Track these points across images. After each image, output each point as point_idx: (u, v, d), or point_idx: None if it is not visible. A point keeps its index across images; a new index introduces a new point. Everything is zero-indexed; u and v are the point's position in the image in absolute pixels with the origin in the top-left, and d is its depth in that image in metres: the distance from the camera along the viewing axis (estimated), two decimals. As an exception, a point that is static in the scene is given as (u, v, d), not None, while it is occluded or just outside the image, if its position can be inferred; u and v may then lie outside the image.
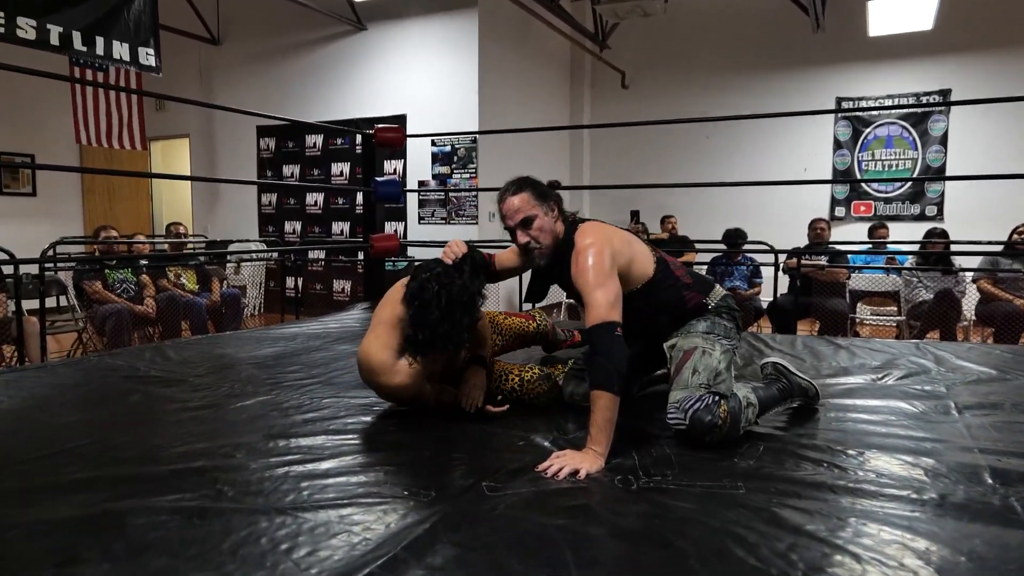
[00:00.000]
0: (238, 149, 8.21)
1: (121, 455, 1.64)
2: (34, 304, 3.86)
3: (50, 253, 5.04)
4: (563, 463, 1.50)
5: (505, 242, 5.90)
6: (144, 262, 4.91)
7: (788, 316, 4.96)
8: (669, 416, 1.72)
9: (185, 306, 4.92)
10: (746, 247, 5.70)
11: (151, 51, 5.21)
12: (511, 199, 1.82)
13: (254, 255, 7.00)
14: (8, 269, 4.08)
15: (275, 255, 7.25)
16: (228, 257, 6.32)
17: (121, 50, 5.02)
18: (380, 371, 1.83)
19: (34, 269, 3.91)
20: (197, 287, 5.34)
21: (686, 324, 1.90)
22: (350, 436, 1.78)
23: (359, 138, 7.14)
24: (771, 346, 3.13)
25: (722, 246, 5.70)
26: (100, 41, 4.88)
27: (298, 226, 7.88)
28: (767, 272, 5.32)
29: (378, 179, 3.92)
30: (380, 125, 3.90)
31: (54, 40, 4.63)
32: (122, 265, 4.85)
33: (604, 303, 1.61)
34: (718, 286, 2.01)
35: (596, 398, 1.56)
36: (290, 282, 7.07)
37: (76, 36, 4.73)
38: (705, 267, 5.82)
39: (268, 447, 1.69)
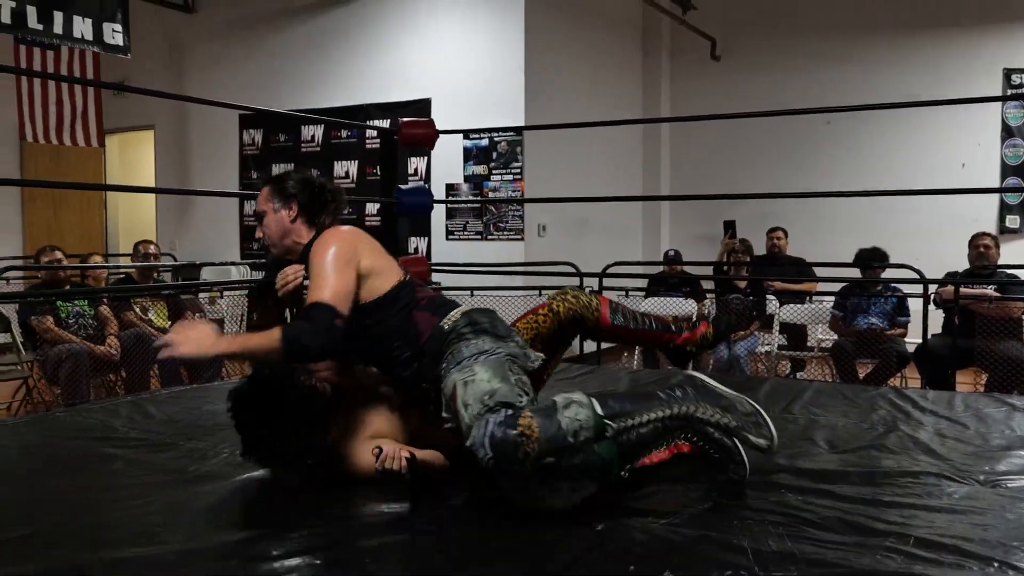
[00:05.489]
0: (216, 143, 8.57)
1: (108, 538, 1.82)
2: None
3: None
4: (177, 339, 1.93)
5: (553, 263, 5.98)
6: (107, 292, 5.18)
7: (943, 364, 4.96)
8: (479, 460, 1.83)
9: (155, 348, 5.14)
10: (886, 273, 5.71)
11: (119, 28, 5.57)
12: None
13: (241, 284, 7.19)
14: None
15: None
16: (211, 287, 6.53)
17: (83, 27, 5.38)
18: None
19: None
20: (168, 323, 5.58)
21: (436, 368, 2.09)
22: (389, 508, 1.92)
23: (374, 130, 7.38)
24: (920, 405, 3.19)
25: (852, 272, 5.72)
26: (59, 17, 5.25)
27: (291, 243, 8.12)
28: (914, 306, 5.33)
29: (402, 187, 4.10)
30: (406, 119, 4.09)
31: (5, 17, 5.00)
32: (77, 295, 5.12)
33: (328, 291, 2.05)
34: (459, 306, 2.25)
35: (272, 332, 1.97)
36: (281, 315, 7.27)
37: (31, 12, 5.11)
38: (831, 300, 5.85)
39: (291, 534, 1.83)
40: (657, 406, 1.93)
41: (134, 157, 10.19)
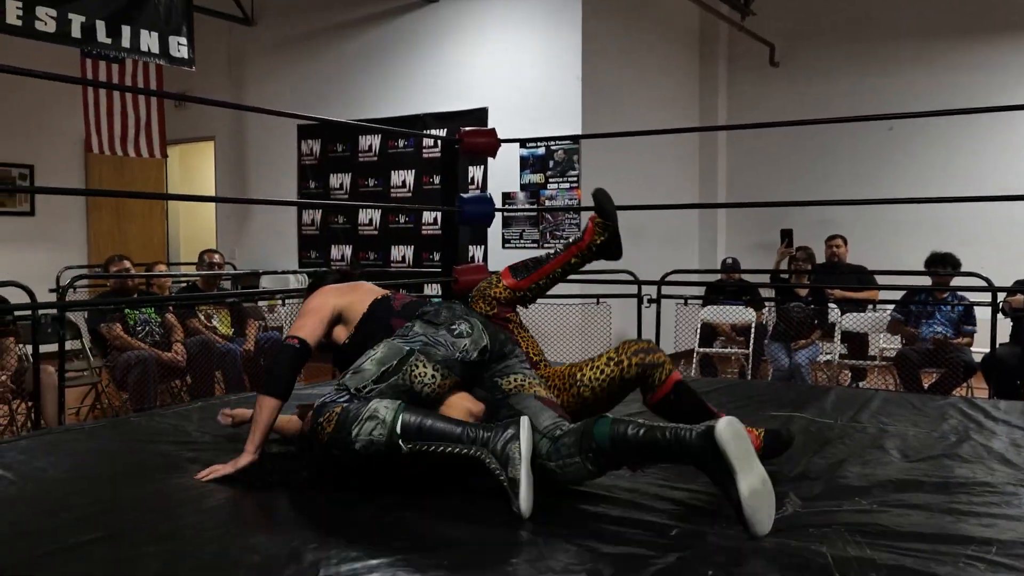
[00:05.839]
0: (275, 154, 8.77)
1: (195, 538, 1.89)
2: (43, 350, 4.27)
3: (63, 288, 5.54)
4: (212, 470, 2.32)
5: (611, 271, 6.02)
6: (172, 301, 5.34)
7: (1012, 374, 4.89)
8: None
9: (219, 354, 5.30)
10: (953, 281, 5.62)
11: (184, 41, 5.74)
12: None
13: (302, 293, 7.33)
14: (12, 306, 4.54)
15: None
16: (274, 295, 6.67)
17: (150, 41, 5.56)
18: None
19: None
20: (232, 330, 5.74)
21: None
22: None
23: (430, 139, 7.49)
24: (992, 415, 3.15)
25: (912, 280, 5.65)
26: (127, 31, 5.43)
27: (347, 251, 8.30)
28: (981, 314, 5.24)
29: (464, 196, 4.16)
30: (468, 128, 4.16)
31: (75, 32, 5.19)
32: (145, 303, 5.29)
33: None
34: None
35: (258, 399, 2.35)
36: (339, 323, 7.39)
37: (100, 26, 5.29)
38: (891, 307, 5.78)
39: (372, 540, 1.89)
40: (455, 441, 2.06)
41: (195, 167, 10.48)
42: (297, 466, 2.46)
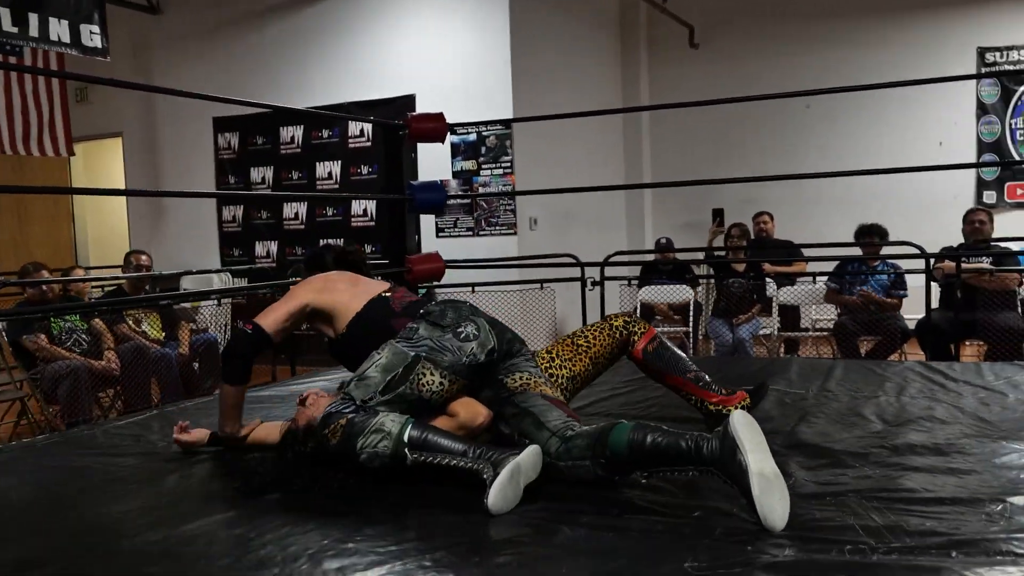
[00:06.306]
0: (189, 148, 8.46)
1: (205, 551, 1.80)
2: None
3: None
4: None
5: (559, 253, 6.00)
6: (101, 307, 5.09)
7: (946, 338, 5.09)
8: None
9: (154, 360, 5.08)
10: (886, 249, 5.84)
11: (96, 29, 5.46)
12: None
13: (227, 292, 7.13)
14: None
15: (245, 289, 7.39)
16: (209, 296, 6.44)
17: (60, 29, 5.27)
18: None
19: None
20: (163, 334, 5.52)
21: None
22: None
23: (358, 128, 7.32)
24: (952, 376, 3.28)
25: (844, 251, 5.84)
26: (34, 19, 5.13)
27: (273, 247, 8.07)
28: (912, 282, 5.45)
29: (415, 184, 4.09)
30: (416, 113, 4.08)
31: (-23, 21, 4.87)
32: (74, 309, 5.03)
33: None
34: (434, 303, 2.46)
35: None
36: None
37: (4, 14, 4.98)
38: (822, 280, 5.96)
39: (378, 539, 1.83)
40: (459, 455, 2.04)
41: (100, 167, 10.01)
42: (291, 471, 2.36)
